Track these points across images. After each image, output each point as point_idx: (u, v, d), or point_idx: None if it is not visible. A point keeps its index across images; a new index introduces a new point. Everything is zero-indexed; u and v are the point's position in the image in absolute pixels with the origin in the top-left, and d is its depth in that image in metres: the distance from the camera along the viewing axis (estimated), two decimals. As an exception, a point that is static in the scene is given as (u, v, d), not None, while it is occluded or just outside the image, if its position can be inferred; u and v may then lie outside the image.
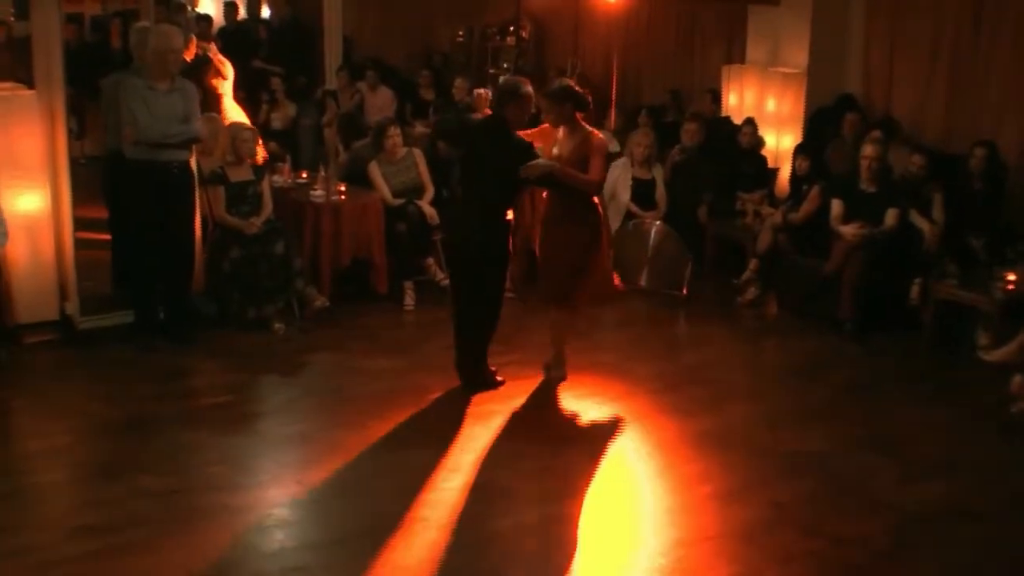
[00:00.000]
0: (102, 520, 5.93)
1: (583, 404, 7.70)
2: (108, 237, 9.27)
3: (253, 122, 10.39)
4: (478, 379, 7.86)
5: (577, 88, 7.71)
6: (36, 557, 5.56)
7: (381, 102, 13.72)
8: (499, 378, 7.95)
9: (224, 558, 5.60)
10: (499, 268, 7.69)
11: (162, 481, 6.33)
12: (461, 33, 18.42)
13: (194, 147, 8.70)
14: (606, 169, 7.84)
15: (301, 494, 6.30)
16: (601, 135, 7.77)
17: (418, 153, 10.22)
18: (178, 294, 8.74)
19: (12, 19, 15.39)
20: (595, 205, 7.70)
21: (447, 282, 9.81)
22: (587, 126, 7.67)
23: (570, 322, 8.17)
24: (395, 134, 10.11)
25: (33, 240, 8.53)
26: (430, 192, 10.05)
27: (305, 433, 7.09)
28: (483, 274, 7.60)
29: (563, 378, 8.05)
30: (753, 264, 10.27)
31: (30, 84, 8.88)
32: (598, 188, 7.68)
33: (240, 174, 9.12)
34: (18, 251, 8.50)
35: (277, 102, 13.52)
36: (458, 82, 13.78)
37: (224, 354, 8.52)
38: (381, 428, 7.16)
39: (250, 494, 6.25)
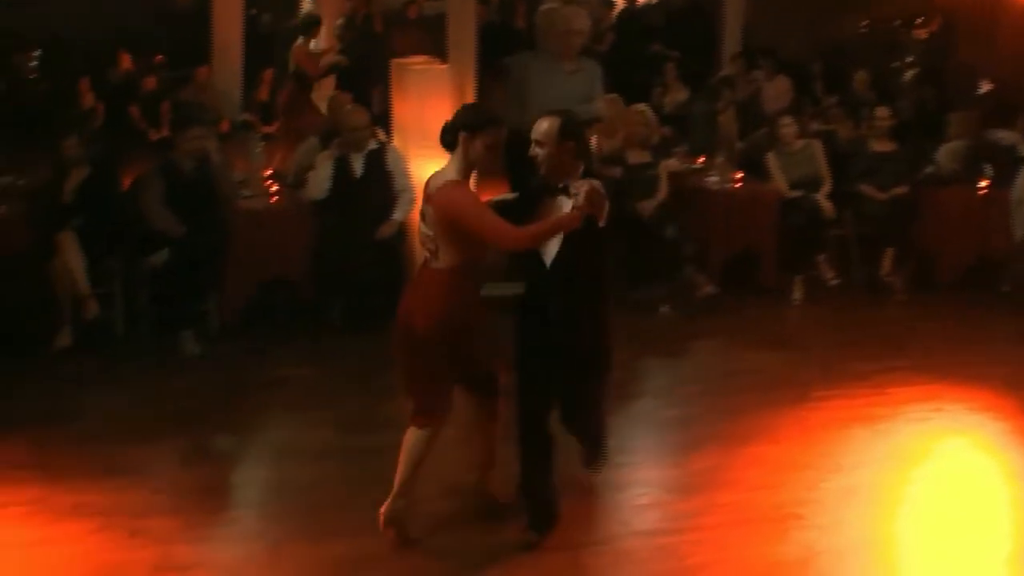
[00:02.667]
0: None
1: (974, 418, 7.33)
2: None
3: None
4: None
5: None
6: (417, 509, 5.78)
7: (777, 91, 13.50)
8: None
9: (598, 530, 5.75)
10: None
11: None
12: (865, 23, 17.89)
13: (595, 127, 8.86)
14: None
15: (677, 477, 6.36)
16: None
17: (817, 145, 10.01)
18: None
19: (424, -4, 16.13)
20: None
21: (836, 282, 9.64)
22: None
23: None
24: (790, 124, 9.98)
25: (438, 209, 8.90)
26: (828, 186, 9.80)
27: (685, 418, 7.12)
28: None
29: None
30: None
31: (442, 59, 9.29)
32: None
33: (637, 156, 9.21)
34: (423, 219, 8.90)
35: (668, 86, 13.55)
36: (859, 76, 13.40)
37: (610, 332, 8.65)
38: (759, 420, 7.09)
39: (628, 472, 6.35)
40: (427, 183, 5.51)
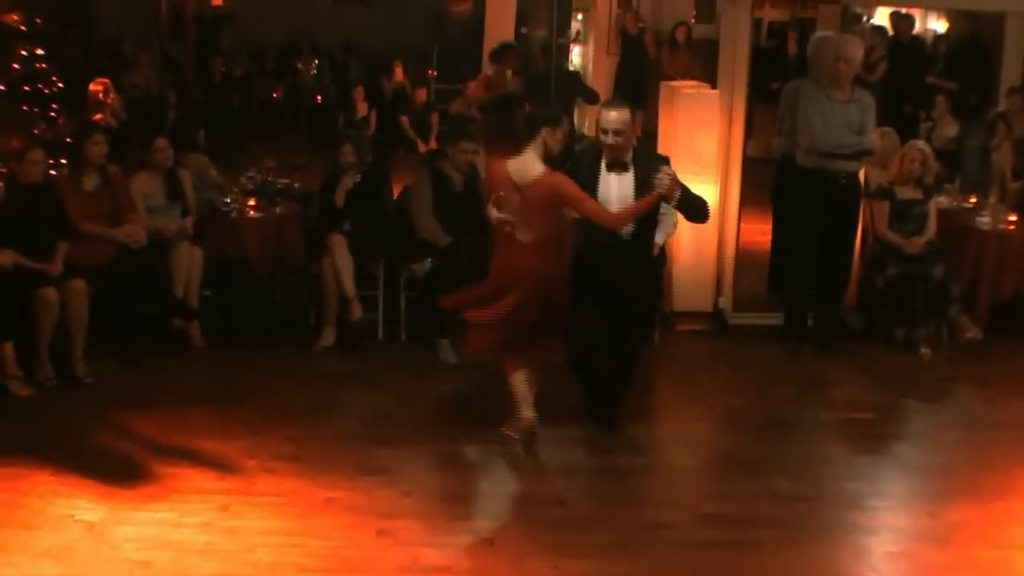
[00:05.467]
0: (733, 513, 6.11)
1: None
2: (767, 238, 9.45)
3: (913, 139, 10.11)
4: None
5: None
6: (667, 534, 5.85)
7: (1058, 130, 12.90)
8: None
9: (846, 573, 5.59)
10: None
11: (795, 487, 6.39)
12: None
13: (865, 159, 8.68)
14: None
15: (930, 527, 6.11)
16: None
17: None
18: (830, 303, 8.77)
19: (692, 20, 16.11)
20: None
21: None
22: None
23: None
24: (1072, 166, 9.53)
25: (698, 233, 8.86)
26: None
27: (944, 466, 6.84)
28: None
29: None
30: None
31: (712, 84, 9.26)
32: None
33: (908, 192, 8.94)
34: (683, 242, 8.94)
35: (938, 120, 13.09)
36: None
37: (867, 371, 8.46)
38: (1022, 476, 6.73)
39: (881, 517, 6.17)
40: (505, 173, 6.41)
